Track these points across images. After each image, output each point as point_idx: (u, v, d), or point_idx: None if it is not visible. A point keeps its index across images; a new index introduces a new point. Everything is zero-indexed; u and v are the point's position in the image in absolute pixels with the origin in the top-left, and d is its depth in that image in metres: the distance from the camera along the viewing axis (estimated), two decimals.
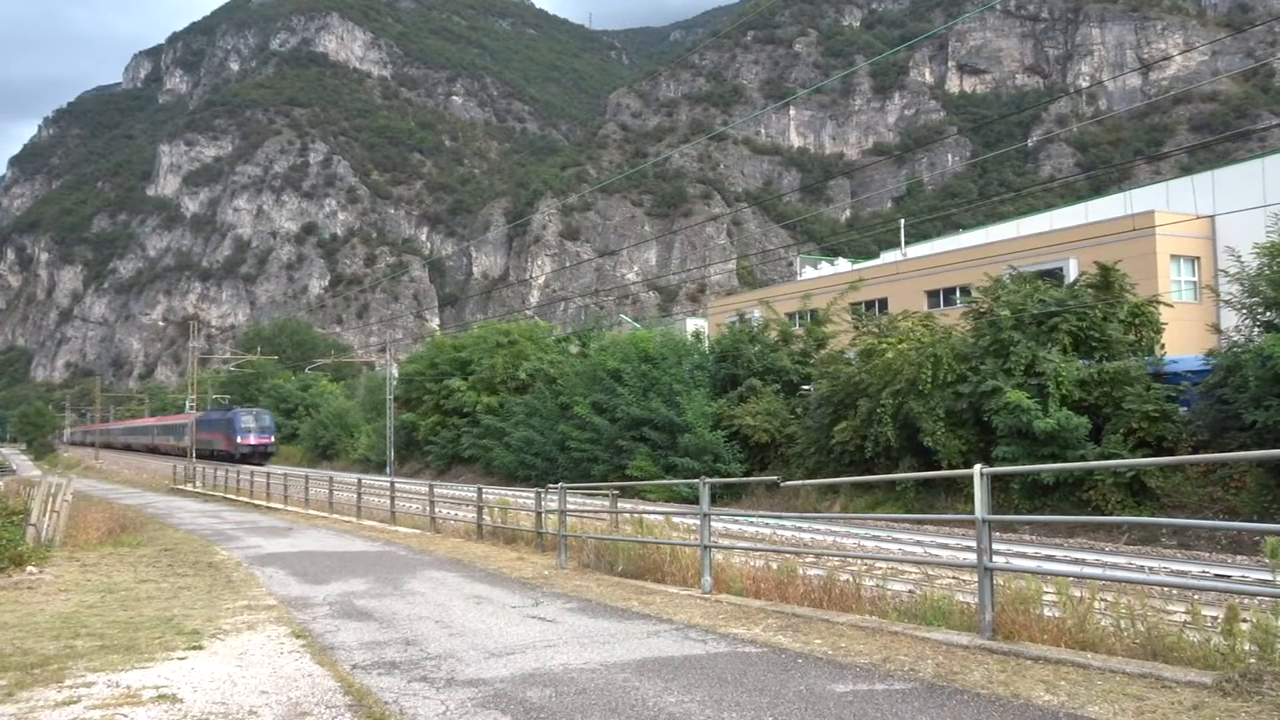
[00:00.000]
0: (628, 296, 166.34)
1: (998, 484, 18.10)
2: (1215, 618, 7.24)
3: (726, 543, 12.57)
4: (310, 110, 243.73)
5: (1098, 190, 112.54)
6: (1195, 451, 17.19)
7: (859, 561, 12.33)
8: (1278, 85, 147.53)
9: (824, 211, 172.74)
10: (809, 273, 53.88)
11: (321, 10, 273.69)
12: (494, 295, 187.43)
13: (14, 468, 66.16)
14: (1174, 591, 10.15)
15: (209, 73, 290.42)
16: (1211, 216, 31.47)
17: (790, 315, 32.62)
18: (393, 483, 23.66)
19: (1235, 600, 6.99)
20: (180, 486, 39.77)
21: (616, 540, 12.43)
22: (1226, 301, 18.38)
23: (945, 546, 15.23)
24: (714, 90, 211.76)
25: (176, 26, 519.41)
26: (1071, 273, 28.18)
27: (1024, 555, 13.90)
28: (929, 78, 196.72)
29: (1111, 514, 16.73)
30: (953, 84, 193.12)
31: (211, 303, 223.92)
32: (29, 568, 12.57)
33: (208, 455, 60.22)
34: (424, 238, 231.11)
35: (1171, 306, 22.53)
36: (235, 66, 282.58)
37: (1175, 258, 31.05)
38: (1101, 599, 8.13)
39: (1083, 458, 17.47)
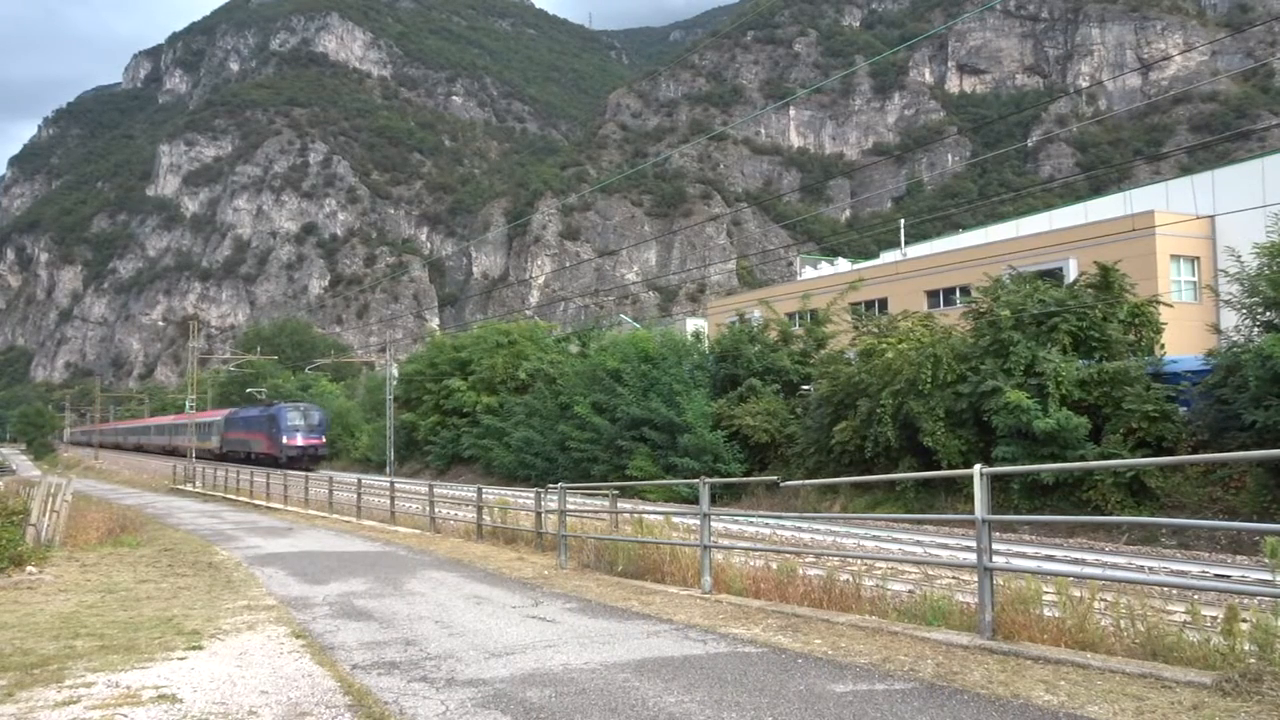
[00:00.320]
0: (628, 296, 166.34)
1: (997, 484, 18.10)
2: (1215, 618, 7.24)
3: (726, 543, 12.57)
4: (310, 110, 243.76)
5: (1097, 190, 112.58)
6: (1195, 451, 17.19)
7: (859, 561, 12.33)
8: (1277, 85, 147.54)
9: (824, 211, 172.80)
10: (809, 273, 53.89)
11: (321, 10, 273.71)
12: (494, 295, 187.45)
13: (14, 468, 66.17)
14: (1174, 591, 10.15)
15: (209, 73, 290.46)
16: (1211, 216, 31.47)
17: (790, 315, 32.62)
18: (392, 483, 23.66)
19: (1235, 600, 6.99)
20: (180, 486, 39.78)
21: (616, 540, 12.43)
22: (1226, 301, 18.38)
23: (945, 546, 15.23)
24: (714, 90, 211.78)
25: (176, 26, 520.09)
26: (1071, 273, 28.18)
27: (1024, 555, 13.90)
28: (929, 78, 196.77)
29: (1111, 514, 16.73)
30: (953, 84, 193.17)
31: (211, 303, 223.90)
32: (29, 568, 12.56)
33: (243, 459, 54.66)
34: (424, 238, 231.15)
35: (1171, 306, 22.53)
36: (235, 66, 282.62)
37: (1175, 258, 31.05)
38: (1101, 599, 8.13)
39: (1082, 458, 17.46)
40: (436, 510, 20.03)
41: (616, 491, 17.26)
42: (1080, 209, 40.17)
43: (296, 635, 8.03)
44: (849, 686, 5.82)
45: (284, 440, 50.95)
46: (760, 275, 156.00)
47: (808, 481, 15.07)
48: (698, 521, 10.18)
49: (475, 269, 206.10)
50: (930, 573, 12.01)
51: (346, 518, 22.36)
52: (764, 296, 36.95)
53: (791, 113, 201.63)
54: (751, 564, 11.01)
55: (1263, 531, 5.89)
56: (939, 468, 19.44)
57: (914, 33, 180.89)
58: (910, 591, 9.97)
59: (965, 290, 30.83)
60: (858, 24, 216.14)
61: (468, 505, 19.63)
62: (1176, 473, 17.08)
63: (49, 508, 15.80)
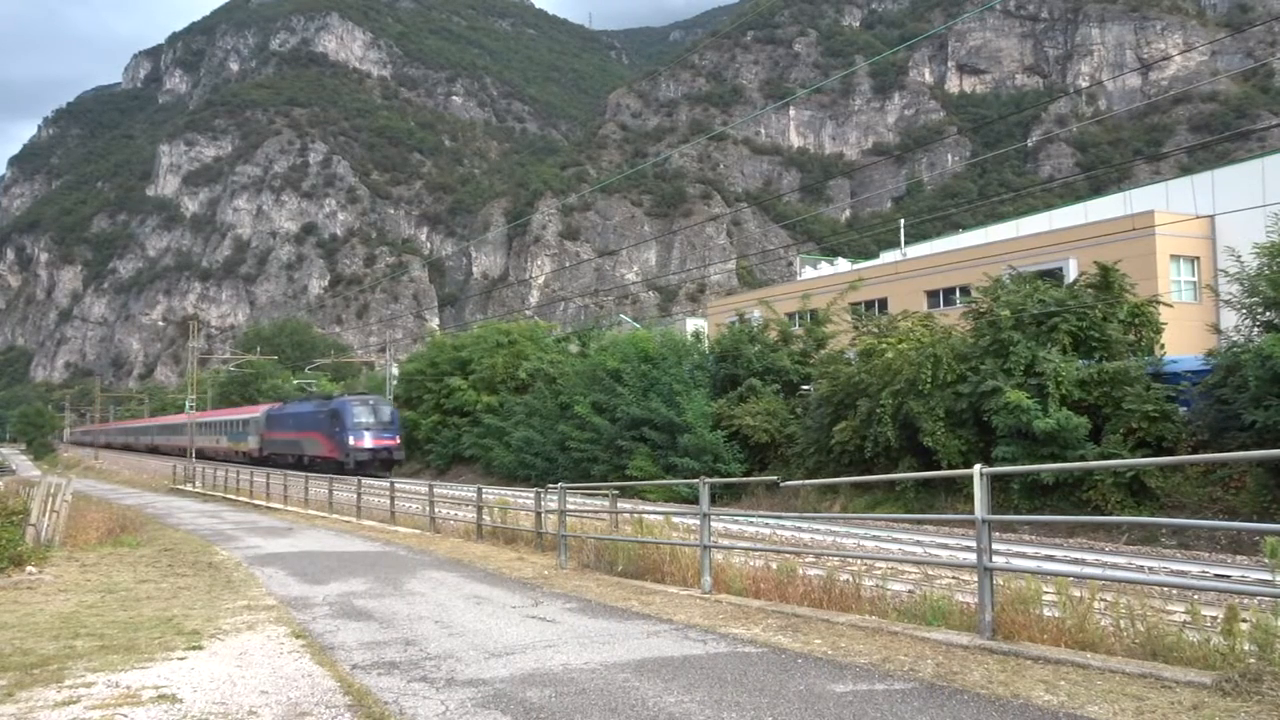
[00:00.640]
0: (627, 296, 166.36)
1: (997, 484, 18.10)
2: (1215, 618, 7.24)
3: (726, 543, 12.57)
4: (310, 110, 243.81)
5: (1097, 190, 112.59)
6: (1195, 451, 17.18)
7: (859, 561, 12.32)
8: (1277, 85, 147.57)
9: (824, 211, 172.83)
10: (809, 273, 53.89)
11: (321, 10, 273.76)
12: (494, 295, 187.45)
13: (14, 468, 66.16)
14: (1174, 591, 10.15)
15: (209, 73, 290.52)
16: (1211, 216, 31.48)
17: (790, 315, 32.61)
18: (392, 483, 23.65)
19: (1235, 600, 6.99)
20: (180, 486, 39.77)
21: (616, 540, 12.43)
22: (1226, 301, 18.38)
23: (945, 546, 15.23)
24: (714, 90, 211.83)
25: (176, 26, 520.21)
26: (1071, 273, 28.18)
27: (1024, 555, 13.89)
28: (929, 78, 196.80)
29: (1111, 514, 16.73)
30: (952, 84, 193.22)
31: (211, 303, 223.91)
32: (28, 568, 12.56)
33: (292, 463, 44.46)
34: (424, 238, 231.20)
35: (1171, 306, 22.53)
36: (235, 66, 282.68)
37: (1175, 258, 31.05)
38: (1101, 599, 8.13)
39: (1082, 458, 17.46)
40: (436, 510, 20.02)
41: (616, 491, 17.26)
42: (1080, 209, 40.17)
43: (296, 635, 8.03)
44: (849, 686, 5.82)
45: (350, 441, 40.89)
46: (760, 275, 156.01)
47: (808, 481, 15.07)
48: (698, 521, 10.18)
49: (475, 269, 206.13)
50: (930, 573, 12.01)
51: (346, 518, 22.36)
52: (764, 296, 36.95)
53: (791, 113, 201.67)
54: (751, 564, 11.01)
55: (1263, 531, 5.90)
56: (939, 468, 19.43)
57: (914, 33, 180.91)
58: (910, 591, 9.96)
59: (965, 290, 30.83)
60: (858, 24, 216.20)
61: (468, 505, 19.63)
62: (1176, 473, 17.07)
63: (49, 508, 15.80)
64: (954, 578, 11.58)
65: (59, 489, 17.38)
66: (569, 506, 13.67)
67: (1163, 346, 20.66)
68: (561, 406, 33.91)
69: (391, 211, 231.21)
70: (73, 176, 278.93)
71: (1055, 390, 18.24)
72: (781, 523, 18.87)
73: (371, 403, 42.98)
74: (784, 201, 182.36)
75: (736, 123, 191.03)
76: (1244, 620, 5.99)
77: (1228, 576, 11.36)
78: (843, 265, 52.98)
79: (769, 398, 27.39)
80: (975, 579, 7.45)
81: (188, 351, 62.78)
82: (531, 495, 16.72)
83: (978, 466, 7.14)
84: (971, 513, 6.99)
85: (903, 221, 49.80)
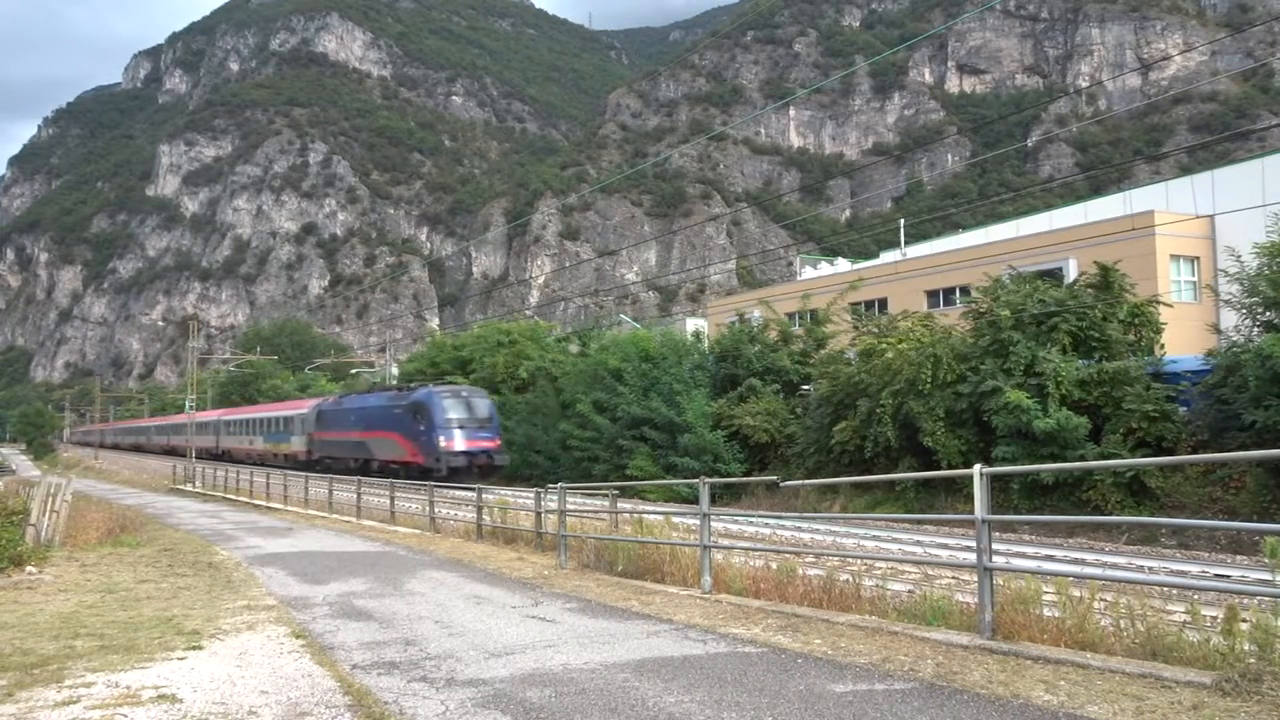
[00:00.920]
0: (627, 296, 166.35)
1: (997, 484, 18.10)
2: (1215, 618, 7.24)
3: (726, 543, 12.57)
4: (310, 110, 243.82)
5: (1097, 190, 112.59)
6: (1195, 451, 17.18)
7: (859, 561, 12.32)
8: (1277, 85, 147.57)
9: (824, 211, 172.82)
10: (808, 273, 53.89)
11: (321, 10, 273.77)
12: (494, 295, 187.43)
13: (13, 468, 66.14)
14: (1173, 591, 10.15)
15: (209, 73, 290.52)
16: (1211, 216, 31.48)
17: (790, 315, 32.62)
18: (393, 483, 23.64)
19: (1235, 600, 6.99)
20: (180, 486, 39.77)
21: (616, 540, 12.42)
22: (1226, 301, 18.39)
23: (945, 546, 15.22)
24: (714, 90, 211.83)
25: (176, 26, 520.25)
26: (1071, 273, 28.18)
27: (1024, 555, 13.89)
28: (929, 78, 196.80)
29: (1111, 514, 16.73)
30: (952, 84, 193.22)
31: (211, 303, 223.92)
32: (28, 568, 12.56)
33: (356, 468, 36.66)
34: (424, 238, 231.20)
35: (1171, 306, 22.54)
36: (235, 66, 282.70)
37: (1175, 258, 31.05)
38: (1101, 599, 8.13)
39: (1082, 458, 17.46)
40: (436, 510, 20.02)
41: (616, 491, 17.26)
42: (1080, 209, 40.17)
43: (296, 635, 8.03)
44: (849, 686, 5.82)
45: (441, 443, 32.15)
46: (760, 275, 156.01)
47: (808, 481, 15.07)
48: (698, 521, 10.18)
49: (475, 269, 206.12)
50: (930, 573, 12.00)
51: (346, 518, 22.37)
52: (764, 296, 36.97)
53: (791, 113, 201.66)
54: (751, 564, 11.01)
55: (1263, 531, 5.90)
56: (939, 468, 19.44)
57: (914, 33, 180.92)
58: (910, 591, 9.96)
59: (965, 290, 30.83)
60: (858, 24, 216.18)
61: (468, 505, 19.63)
62: (1176, 473, 17.07)
63: (49, 508, 15.79)
64: (954, 578, 11.58)
65: (59, 489, 17.38)
66: (569, 506, 13.68)
67: (1163, 346, 20.67)
68: (563, 405, 33.94)
69: (391, 211, 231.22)
70: (73, 176, 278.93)
71: (1055, 390, 18.25)
72: (781, 523, 18.87)
73: (464, 394, 34.24)
74: (784, 201, 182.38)
75: (736, 123, 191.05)
76: (1244, 620, 5.99)
77: (1228, 576, 11.36)
78: (843, 265, 52.98)
79: (769, 398, 27.40)
80: (975, 579, 7.45)
81: (188, 351, 59.18)
82: (531, 495, 16.71)
83: (978, 466, 7.14)
84: (971, 513, 6.99)
85: (903, 221, 49.80)
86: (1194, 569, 12.55)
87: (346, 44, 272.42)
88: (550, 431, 33.96)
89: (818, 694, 5.66)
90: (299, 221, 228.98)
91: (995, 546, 8.73)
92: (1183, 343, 23.10)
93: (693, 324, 47.35)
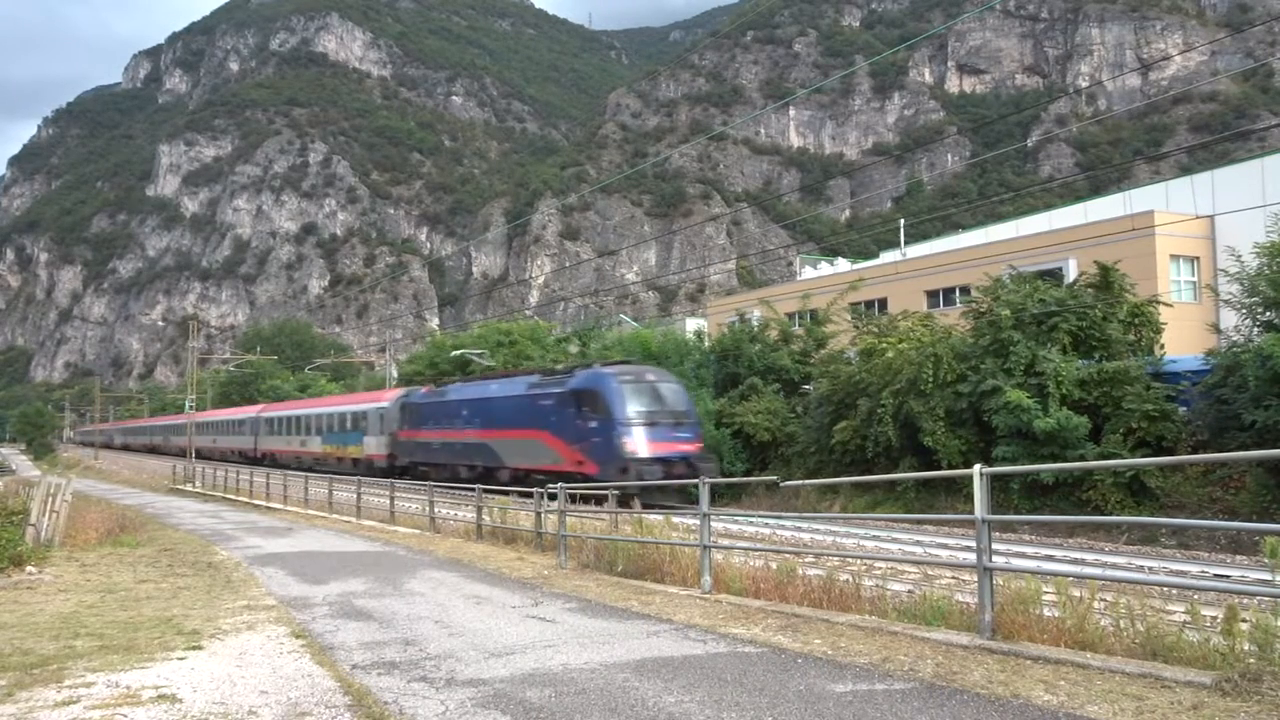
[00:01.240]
0: (627, 296, 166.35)
1: (997, 484, 18.10)
2: (1215, 618, 7.24)
3: (726, 543, 12.57)
4: (310, 110, 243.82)
5: (1097, 190, 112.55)
6: (1195, 451, 17.19)
7: (858, 561, 12.32)
8: (1277, 85, 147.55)
9: (824, 211, 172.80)
10: (809, 273, 53.89)
11: (321, 10, 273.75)
12: (494, 295, 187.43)
13: (13, 468, 66.12)
14: (1173, 591, 10.15)
15: (208, 73, 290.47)
16: (1211, 216, 31.49)
17: (790, 315, 32.63)
18: (393, 483, 23.64)
19: (1235, 600, 6.99)
20: (180, 486, 39.76)
21: (616, 540, 12.43)
22: (1226, 301, 18.39)
23: (945, 546, 15.22)
24: (714, 90, 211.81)
25: (176, 26, 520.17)
26: (1071, 273, 28.18)
27: (1023, 555, 13.88)
28: (928, 78, 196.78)
29: (1111, 514, 16.73)
30: (952, 84, 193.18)
31: (211, 303, 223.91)
32: (28, 568, 12.56)
33: (476, 478, 26.60)
34: (424, 238, 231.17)
35: (1171, 306, 22.56)
36: (235, 66, 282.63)
37: (1175, 258, 31.06)
38: (1101, 599, 8.13)
39: (1082, 457, 17.46)
40: (436, 510, 20.02)
41: (617, 491, 17.26)
42: (1080, 209, 40.18)
43: (296, 635, 8.03)
44: (849, 686, 5.82)
45: (624, 445, 22.68)
46: (760, 275, 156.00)
47: (808, 481, 15.06)
48: (697, 521, 10.18)
49: (475, 269, 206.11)
50: (930, 573, 12.00)
51: (346, 518, 22.36)
52: (764, 296, 36.98)
53: (791, 113, 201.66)
54: (751, 564, 11.01)
55: (1262, 531, 5.89)
56: (939, 467, 19.44)
57: (914, 33, 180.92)
58: (910, 591, 9.96)
59: (965, 290, 30.84)
60: (858, 24, 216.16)
61: (467, 505, 19.63)
62: (1176, 473, 17.08)
63: (49, 508, 15.79)
64: (954, 578, 11.58)
65: (59, 489, 17.37)
66: (568, 506, 13.68)
67: (1162, 346, 20.69)
68: None
69: (391, 211, 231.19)
70: (72, 176, 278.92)
71: (1055, 390, 18.25)
72: (781, 523, 18.87)
73: (650, 377, 24.48)
74: (784, 201, 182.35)
75: (736, 123, 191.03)
76: (1244, 620, 5.99)
77: (1227, 576, 11.36)
78: (843, 265, 52.98)
79: (770, 397, 27.42)
80: (975, 579, 7.45)
81: (188, 351, 57.51)
82: (531, 495, 16.72)
83: (977, 466, 7.13)
84: (971, 513, 6.98)
85: (903, 221, 49.80)
86: (1194, 569, 12.55)
87: (346, 44, 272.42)
88: None
89: (818, 694, 5.66)
90: (299, 221, 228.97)
91: (995, 546, 8.73)
92: (1182, 343, 23.11)
93: (693, 324, 47.37)
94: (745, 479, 21.62)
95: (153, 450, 75.59)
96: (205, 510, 26.47)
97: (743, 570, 10.31)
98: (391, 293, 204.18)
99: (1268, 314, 17.37)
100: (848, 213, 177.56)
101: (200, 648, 7.48)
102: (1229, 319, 19.18)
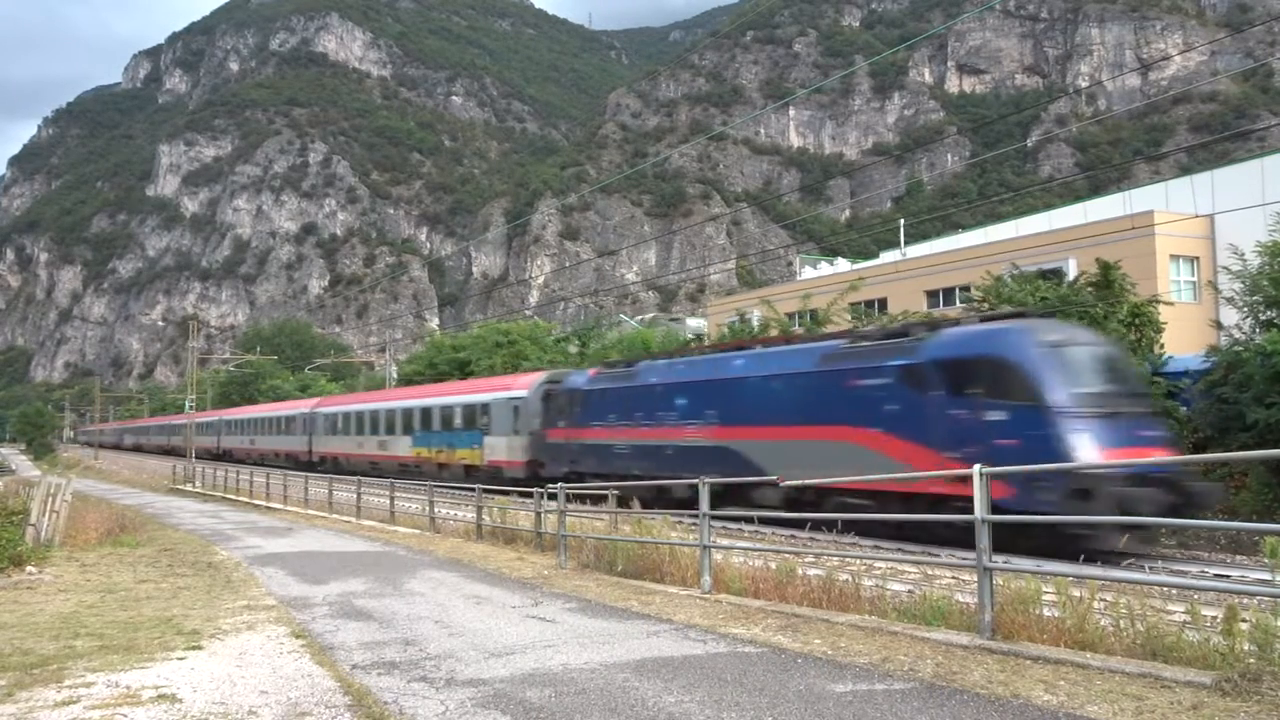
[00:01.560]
0: (627, 296, 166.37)
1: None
2: (1215, 618, 7.24)
3: (726, 542, 12.57)
4: (310, 110, 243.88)
5: (1097, 190, 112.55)
6: (1195, 451, 17.18)
7: (858, 561, 12.32)
8: (1277, 85, 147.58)
9: (823, 212, 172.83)
10: (808, 273, 53.89)
11: (321, 10, 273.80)
12: (493, 295, 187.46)
13: (13, 468, 66.09)
14: (1173, 591, 10.15)
15: (208, 73, 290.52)
16: (1211, 216, 31.50)
17: (790, 315, 32.62)
18: (393, 482, 23.63)
19: (1234, 600, 6.99)
20: (179, 486, 39.75)
21: (616, 540, 12.42)
22: (1229, 300, 18.39)
23: (944, 546, 15.20)
24: (713, 90, 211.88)
25: (176, 26, 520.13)
26: (1071, 273, 28.18)
27: (1023, 555, 13.86)
28: (928, 78, 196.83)
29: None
30: (952, 84, 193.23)
31: (211, 303, 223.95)
32: (28, 568, 12.56)
33: (772, 503, 18.08)
34: (423, 238, 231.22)
35: (1172, 305, 22.56)
36: (235, 66, 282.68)
37: (1175, 257, 31.07)
38: (1101, 599, 8.13)
39: None
40: (436, 510, 20.02)
41: (616, 491, 17.24)
42: (1080, 209, 40.18)
43: (296, 635, 8.03)
44: (849, 686, 5.82)
45: (1074, 449, 13.37)
46: (760, 275, 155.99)
47: (808, 481, 15.01)
48: (697, 521, 10.19)
49: (475, 269, 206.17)
50: (930, 573, 12.01)
51: (346, 518, 22.36)
52: (763, 297, 36.98)
53: (791, 113, 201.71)
54: (751, 564, 11.01)
55: (1262, 531, 5.89)
56: None
57: (914, 33, 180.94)
58: (910, 591, 9.96)
59: (965, 290, 30.84)
60: (857, 24, 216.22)
61: (467, 505, 19.63)
62: None
63: (49, 508, 15.79)
64: (954, 578, 11.58)
65: (59, 489, 17.37)
66: (568, 506, 13.68)
67: (1162, 346, 20.68)
68: None
69: (391, 211, 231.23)
70: (72, 176, 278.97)
71: None
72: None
73: (1091, 343, 15.50)
74: (784, 201, 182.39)
75: (736, 123, 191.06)
76: (1244, 620, 5.99)
77: (1227, 576, 11.36)
78: (843, 265, 52.98)
79: None
80: (975, 579, 7.45)
81: (188, 351, 55.99)
82: (531, 495, 16.72)
83: (977, 467, 7.13)
84: (971, 513, 6.99)
85: (902, 221, 49.81)
86: (1194, 569, 12.54)
87: (346, 44, 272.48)
88: None
89: (818, 694, 5.66)
90: (299, 221, 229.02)
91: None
92: (1182, 343, 23.09)
93: (693, 324, 47.38)
94: (745, 479, 21.59)
95: (170, 452, 65.19)
96: (205, 510, 26.47)
97: (742, 570, 10.32)
98: (391, 293, 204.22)
99: (1269, 312, 17.37)
100: (848, 213, 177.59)
101: (200, 648, 7.48)
102: (1229, 317, 19.19)
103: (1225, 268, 18.94)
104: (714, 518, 10.50)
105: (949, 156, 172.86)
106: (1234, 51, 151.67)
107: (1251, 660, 5.69)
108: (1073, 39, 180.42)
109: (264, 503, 28.78)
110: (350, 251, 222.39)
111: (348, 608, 9.56)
